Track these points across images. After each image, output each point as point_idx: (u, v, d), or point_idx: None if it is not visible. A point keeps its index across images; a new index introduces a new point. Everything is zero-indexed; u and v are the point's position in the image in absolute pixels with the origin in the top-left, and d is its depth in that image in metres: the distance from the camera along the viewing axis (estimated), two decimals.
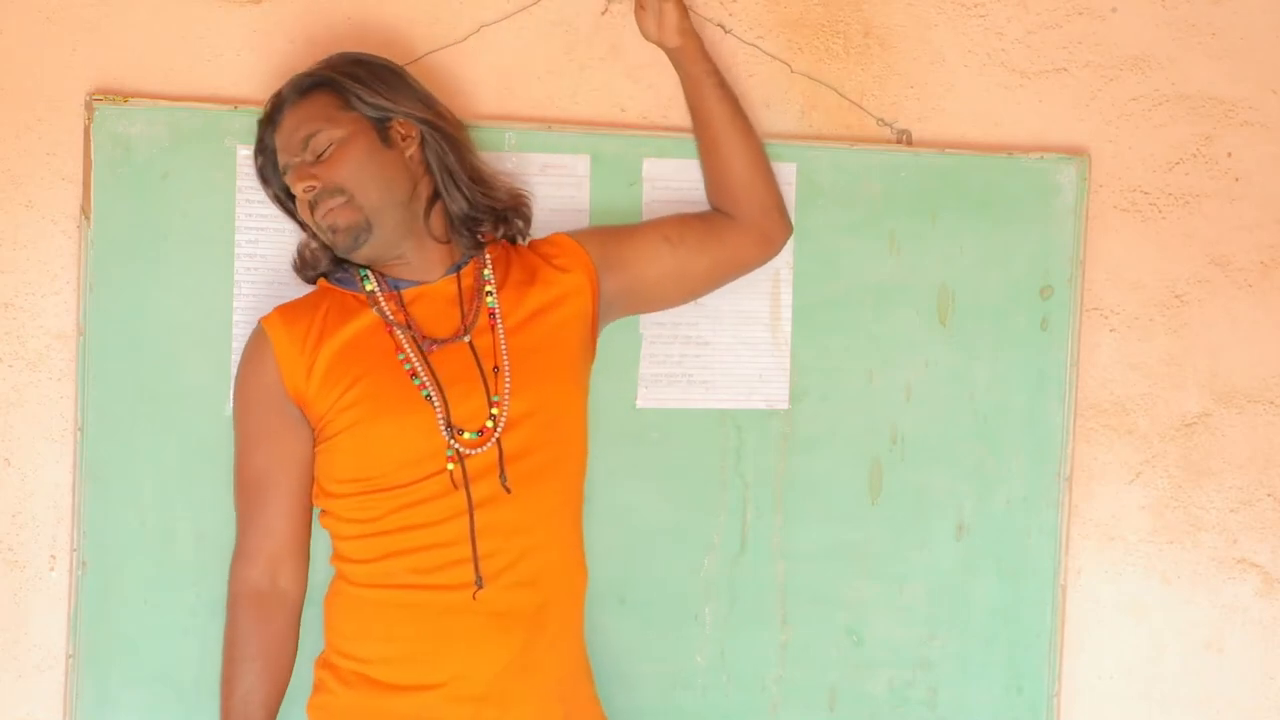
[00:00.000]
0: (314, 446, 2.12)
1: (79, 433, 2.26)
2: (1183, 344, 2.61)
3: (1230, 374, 2.63)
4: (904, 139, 2.50)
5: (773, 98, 2.47)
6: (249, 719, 2.10)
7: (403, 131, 2.13)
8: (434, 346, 2.10)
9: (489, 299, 2.15)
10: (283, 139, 2.13)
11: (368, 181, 2.09)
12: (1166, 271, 2.60)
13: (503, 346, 2.12)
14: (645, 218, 2.39)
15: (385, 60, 2.18)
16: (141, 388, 2.27)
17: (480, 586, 2.04)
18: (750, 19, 2.46)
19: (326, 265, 2.20)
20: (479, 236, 2.19)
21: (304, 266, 2.22)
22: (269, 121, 2.16)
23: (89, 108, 2.25)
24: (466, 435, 2.07)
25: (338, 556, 2.13)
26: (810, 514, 2.48)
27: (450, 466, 2.06)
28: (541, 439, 2.11)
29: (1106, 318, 2.59)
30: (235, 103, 2.29)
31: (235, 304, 2.29)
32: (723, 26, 2.45)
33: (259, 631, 2.12)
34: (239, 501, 2.16)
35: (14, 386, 2.28)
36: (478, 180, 2.19)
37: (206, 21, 2.30)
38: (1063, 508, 2.55)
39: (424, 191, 2.15)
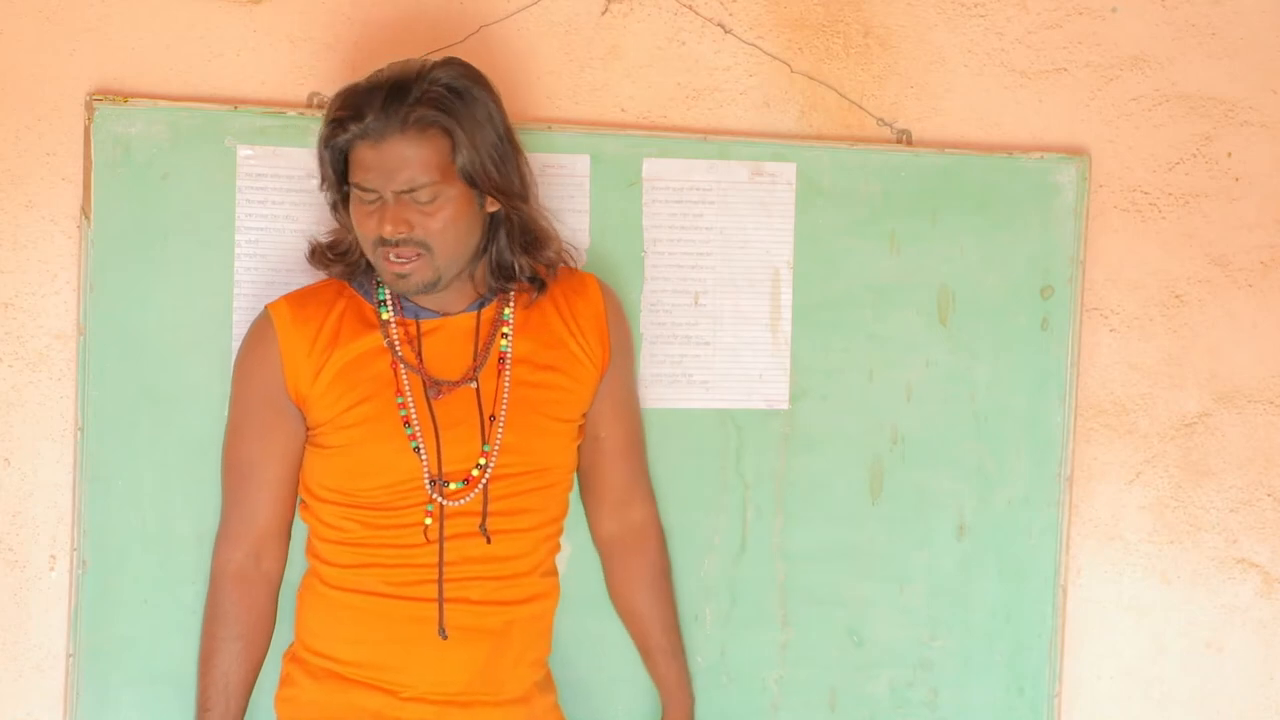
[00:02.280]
0: (305, 441, 2.13)
1: (79, 433, 2.26)
2: (1183, 344, 2.61)
3: (1230, 374, 2.63)
4: (904, 139, 2.50)
5: (773, 98, 2.47)
6: (229, 695, 2.13)
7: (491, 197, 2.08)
8: (440, 394, 2.09)
9: (503, 341, 2.14)
10: (382, 163, 1.99)
11: (453, 241, 2.04)
12: (1166, 271, 2.60)
13: (505, 394, 2.11)
14: (645, 218, 2.40)
15: (492, 97, 2.06)
16: (141, 388, 2.27)
17: (444, 637, 2.08)
18: (750, 19, 2.46)
19: (343, 271, 2.15)
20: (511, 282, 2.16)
21: (321, 262, 2.17)
22: (366, 135, 1.99)
23: (89, 108, 2.25)
24: (452, 486, 2.08)
25: (313, 554, 2.15)
26: (810, 514, 2.48)
27: (428, 521, 2.08)
28: (528, 486, 2.13)
29: (1106, 318, 2.59)
30: (235, 103, 2.29)
31: (235, 304, 2.29)
32: (723, 26, 2.45)
33: (241, 611, 2.14)
34: (226, 482, 2.16)
35: (14, 386, 2.28)
36: (535, 244, 2.15)
37: (206, 21, 2.30)
38: (1063, 508, 2.55)
39: (482, 243, 2.12)
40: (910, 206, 2.49)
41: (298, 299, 2.14)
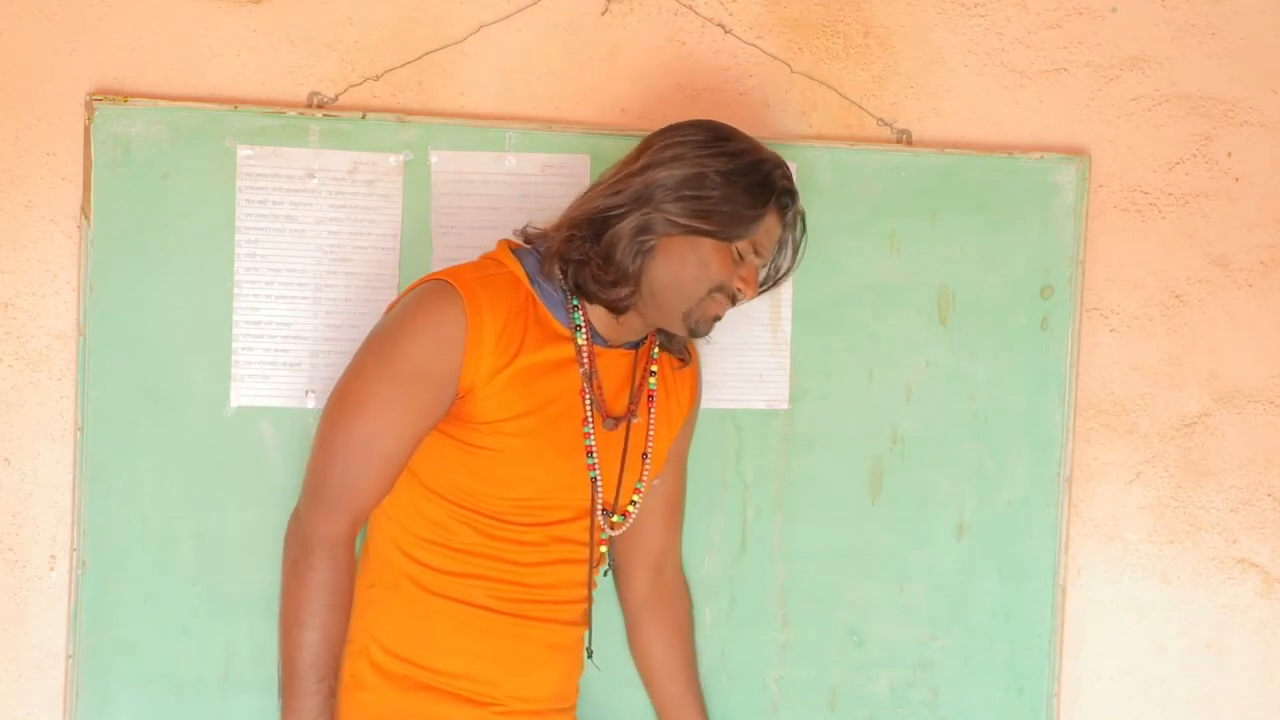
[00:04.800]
0: (434, 428, 2.05)
1: (79, 433, 2.26)
2: (1183, 344, 2.61)
3: (1230, 374, 2.63)
4: (904, 139, 2.50)
5: (773, 98, 2.47)
6: (334, 671, 2.03)
7: None
8: (613, 426, 2.11)
9: (651, 380, 2.17)
10: (772, 246, 2.11)
11: None
12: (1166, 271, 2.60)
13: (652, 431, 2.16)
14: None
15: None
16: (141, 388, 2.27)
17: (589, 656, 2.18)
18: (750, 19, 2.46)
19: (560, 281, 2.07)
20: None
21: (585, 279, 2.06)
22: (786, 215, 2.10)
23: (89, 108, 2.25)
24: (615, 518, 2.13)
25: (401, 551, 2.08)
26: (810, 514, 2.48)
27: (604, 549, 2.14)
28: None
29: (1106, 318, 2.59)
30: (235, 103, 2.29)
31: (235, 304, 2.29)
32: (723, 26, 2.45)
33: (340, 583, 2.03)
34: (339, 449, 2.02)
35: (14, 386, 2.28)
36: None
37: (206, 21, 2.30)
38: (1063, 508, 2.55)
39: None
40: (910, 206, 2.49)
41: (481, 283, 2.03)
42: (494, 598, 2.08)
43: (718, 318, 2.09)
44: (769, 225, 2.07)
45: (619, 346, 2.13)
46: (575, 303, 2.07)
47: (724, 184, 2.01)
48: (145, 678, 2.29)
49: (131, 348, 2.27)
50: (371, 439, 2.01)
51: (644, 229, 2.02)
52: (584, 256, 2.04)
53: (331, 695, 2.03)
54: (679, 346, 2.21)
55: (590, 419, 2.08)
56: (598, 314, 2.10)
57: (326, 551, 2.01)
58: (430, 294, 2.03)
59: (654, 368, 2.18)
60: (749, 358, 2.45)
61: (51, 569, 2.30)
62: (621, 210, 2.03)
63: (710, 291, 2.05)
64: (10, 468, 2.29)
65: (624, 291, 2.04)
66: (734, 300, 2.08)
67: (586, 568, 2.13)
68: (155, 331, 2.28)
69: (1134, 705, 2.63)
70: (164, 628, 2.29)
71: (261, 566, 2.26)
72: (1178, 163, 2.59)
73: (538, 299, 2.07)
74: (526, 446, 2.04)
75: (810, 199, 2.45)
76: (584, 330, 2.08)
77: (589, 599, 2.17)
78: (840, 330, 2.48)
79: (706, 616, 2.45)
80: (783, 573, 2.47)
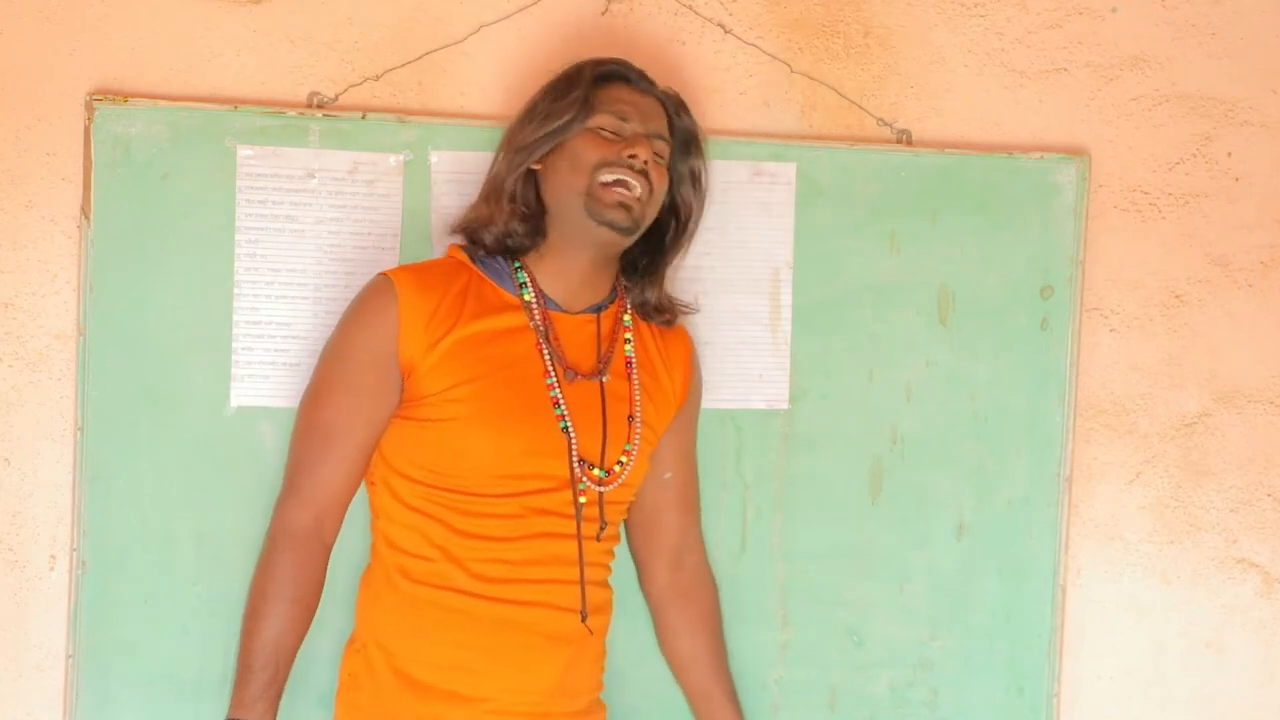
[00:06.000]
0: (393, 414, 2.10)
1: (79, 433, 2.26)
2: (1183, 344, 2.61)
3: (1230, 374, 2.63)
4: (904, 139, 2.50)
5: (773, 98, 2.47)
6: (279, 659, 2.06)
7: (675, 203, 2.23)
8: (577, 378, 2.11)
9: (627, 346, 2.18)
10: (643, 107, 2.14)
11: (653, 209, 2.14)
12: (1166, 271, 2.60)
13: (636, 396, 2.16)
14: None
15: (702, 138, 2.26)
16: (141, 388, 2.27)
17: (584, 620, 2.11)
18: (750, 19, 2.46)
19: (492, 242, 2.15)
20: (620, 287, 2.22)
21: (478, 225, 2.16)
22: (632, 82, 2.16)
23: (89, 108, 2.25)
24: (596, 472, 2.11)
25: (390, 544, 2.10)
26: (810, 514, 2.48)
27: (582, 500, 2.10)
28: (623, 498, 2.18)
29: (1106, 318, 2.59)
30: (235, 103, 2.29)
31: (235, 304, 2.29)
32: (723, 26, 2.45)
33: (301, 574, 2.07)
34: (302, 443, 2.10)
35: (14, 386, 2.28)
36: (666, 303, 2.26)
37: (206, 21, 2.30)
38: (1063, 508, 2.55)
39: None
40: (910, 206, 2.49)
41: (417, 270, 2.13)
42: (474, 578, 2.06)
43: (623, 204, 2.08)
44: (609, 93, 2.13)
45: (579, 313, 2.15)
46: (518, 265, 2.14)
47: (544, 93, 2.16)
48: (145, 678, 2.29)
49: (131, 348, 2.27)
50: (324, 428, 2.08)
51: (514, 165, 2.13)
52: (484, 214, 2.15)
53: (272, 684, 2.05)
54: (652, 309, 2.22)
55: (552, 371, 2.10)
56: (548, 278, 2.14)
57: (289, 543, 2.07)
58: (367, 286, 2.13)
59: (629, 335, 2.19)
60: (749, 358, 2.45)
61: (51, 569, 2.30)
62: (498, 169, 2.16)
63: (595, 171, 2.07)
64: (10, 468, 2.29)
65: (508, 208, 2.12)
66: (639, 172, 2.08)
67: (575, 543, 2.11)
68: (155, 331, 2.28)
69: (1134, 705, 2.63)
70: (164, 628, 2.29)
71: None
72: (1178, 163, 2.59)
73: (484, 276, 2.13)
74: (477, 410, 2.05)
75: (810, 199, 2.45)
76: (530, 288, 2.12)
77: (589, 581, 2.13)
78: (840, 330, 2.48)
79: None
80: (783, 573, 2.47)
